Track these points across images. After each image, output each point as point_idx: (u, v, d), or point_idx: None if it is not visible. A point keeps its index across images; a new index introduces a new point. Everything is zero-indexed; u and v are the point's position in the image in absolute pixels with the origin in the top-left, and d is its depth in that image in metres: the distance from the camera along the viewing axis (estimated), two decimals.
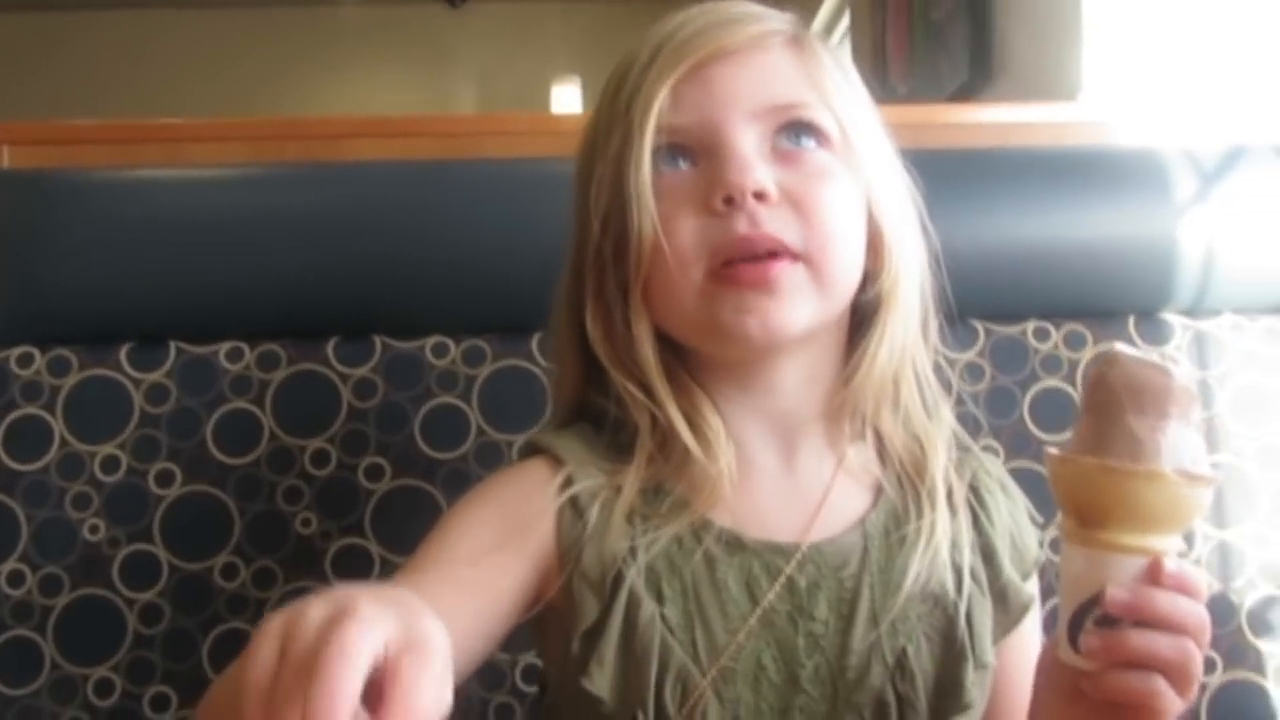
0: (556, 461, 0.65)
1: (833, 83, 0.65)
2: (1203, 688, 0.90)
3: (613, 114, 0.65)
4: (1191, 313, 0.95)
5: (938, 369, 0.83)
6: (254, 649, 0.39)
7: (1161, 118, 1.09)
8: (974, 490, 0.68)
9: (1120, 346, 0.55)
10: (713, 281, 0.62)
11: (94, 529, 0.87)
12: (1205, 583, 0.54)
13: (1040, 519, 0.72)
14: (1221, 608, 0.91)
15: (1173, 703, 0.53)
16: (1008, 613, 0.66)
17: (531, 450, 0.69)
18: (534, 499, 0.64)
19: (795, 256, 0.61)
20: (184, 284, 0.91)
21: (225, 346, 0.90)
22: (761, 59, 0.64)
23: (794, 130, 0.63)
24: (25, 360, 0.89)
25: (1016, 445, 0.90)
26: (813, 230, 0.62)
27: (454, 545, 0.63)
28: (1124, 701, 0.53)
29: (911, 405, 0.68)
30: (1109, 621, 0.53)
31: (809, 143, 0.63)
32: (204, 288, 0.91)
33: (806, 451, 0.67)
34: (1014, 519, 0.68)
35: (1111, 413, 0.53)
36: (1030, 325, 0.94)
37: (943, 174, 0.93)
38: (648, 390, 0.64)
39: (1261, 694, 0.90)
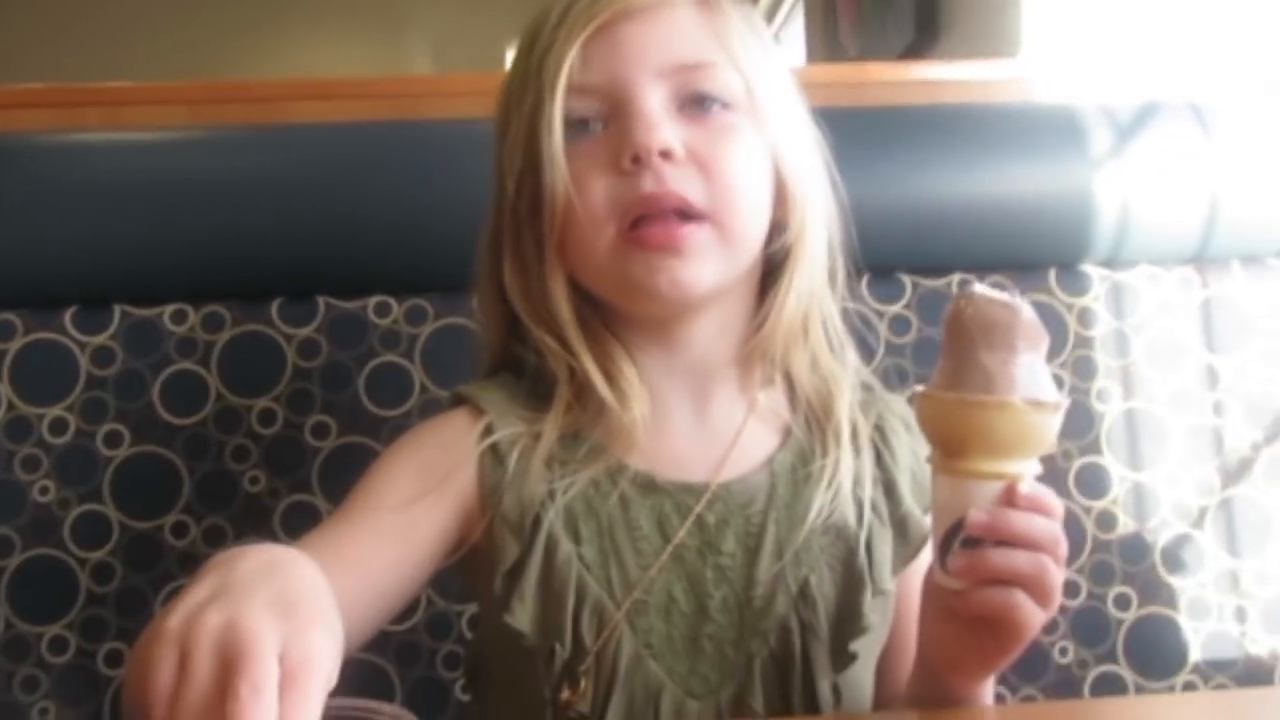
0: (478, 411, 0.68)
1: (740, 41, 0.67)
2: (1119, 621, 0.94)
3: (525, 74, 0.67)
4: (1109, 264, 0.98)
5: (864, 320, 0.86)
6: (154, 660, 0.41)
7: (1081, 74, 1.12)
8: (878, 428, 0.71)
9: (975, 287, 0.59)
10: (624, 241, 0.64)
11: (44, 490, 0.89)
12: (1059, 503, 0.58)
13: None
14: (1136, 546, 0.96)
15: (1034, 614, 0.57)
16: (908, 543, 0.70)
17: (456, 401, 0.71)
18: (455, 448, 0.67)
19: (701, 217, 0.64)
20: (127, 247, 0.92)
21: (170, 309, 0.92)
22: (668, 17, 0.66)
23: (700, 90, 0.65)
24: None
25: None
26: (717, 188, 0.64)
27: (380, 494, 0.66)
28: (990, 615, 0.57)
29: (819, 350, 0.71)
30: (972, 543, 0.56)
31: (714, 103, 0.66)
32: (147, 251, 0.92)
33: (719, 397, 0.70)
34: (916, 456, 0.71)
35: (966, 350, 0.56)
36: (955, 278, 0.97)
37: (872, 131, 0.97)
38: (564, 343, 0.67)
39: (1174, 627, 0.95)
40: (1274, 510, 0.96)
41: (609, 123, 0.65)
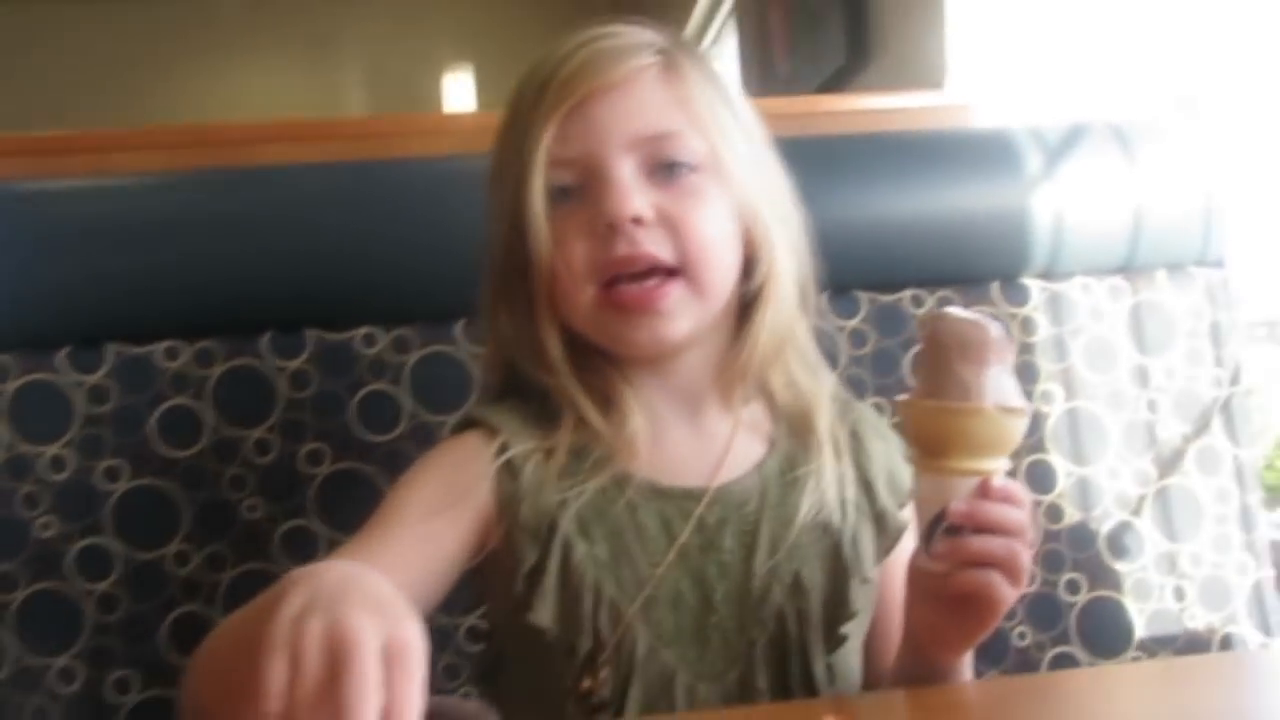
0: (492, 431, 0.74)
1: (703, 103, 0.73)
2: (1070, 605, 1.02)
3: (506, 152, 0.75)
4: (1047, 276, 1.06)
5: (825, 335, 0.93)
6: (265, 664, 0.46)
7: (1013, 100, 1.20)
8: (855, 435, 0.78)
9: (949, 308, 0.67)
10: (603, 300, 0.71)
11: (45, 525, 0.91)
12: (1027, 495, 0.66)
13: None
14: (1082, 535, 1.03)
15: (1007, 592, 0.65)
16: (886, 535, 0.77)
17: (468, 423, 0.77)
18: (472, 465, 0.73)
19: (673, 271, 0.71)
20: (117, 288, 0.95)
21: (162, 346, 0.95)
22: (635, 91, 0.72)
23: (666, 158, 0.72)
24: None
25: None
26: (687, 246, 0.71)
27: (404, 511, 0.71)
28: (969, 593, 0.65)
29: (795, 371, 0.78)
30: (953, 531, 0.64)
31: (681, 167, 0.72)
32: (137, 290, 0.95)
33: (709, 412, 0.77)
34: (889, 458, 0.79)
35: (943, 363, 0.64)
36: (907, 294, 1.04)
37: (823, 159, 1.04)
38: (559, 383, 0.74)
39: (1120, 608, 1.03)
40: (1205, 497, 1.05)
41: (586, 191, 0.72)
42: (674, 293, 0.71)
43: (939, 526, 0.64)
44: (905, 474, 0.80)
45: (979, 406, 0.63)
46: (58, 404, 0.93)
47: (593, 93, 0.71)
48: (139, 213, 0.97)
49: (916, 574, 0.68)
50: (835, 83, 2.29)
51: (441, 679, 0.93)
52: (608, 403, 0.73)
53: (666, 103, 0.72)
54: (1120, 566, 1.03)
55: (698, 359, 0.76)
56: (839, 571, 0.73)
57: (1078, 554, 1.03)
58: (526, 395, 0.76)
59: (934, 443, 0.65)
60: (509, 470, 0.72)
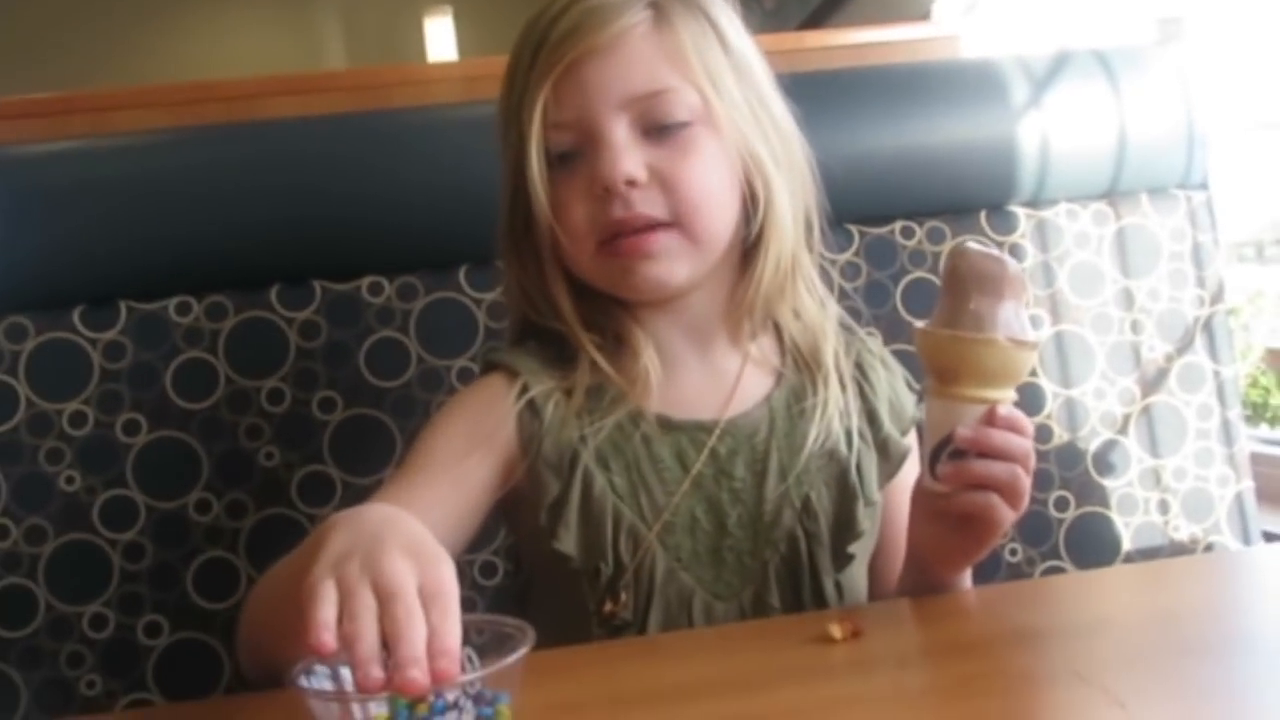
0: (513, 374, 0.77)
1: (696, 54, 0.74)
2: (1059, 521, 1.06)
3: (507, 113, 0.77)
4: (1033, 204, 1.09)
5: (820, 270, 0.95)
6: (315, 601, 0.49)
7: (999, 30, 1.22)
8: (859, 366, 0.82)
9: (969, 243, 0.70)
10: (602, 253, 0.75)
11: (70, 480, 0.94)
12: (1030, 424, 0.69)
13: (916, 386, 0.85)
14: (1070, 454, 1.07)
15: (1007, 514, 0.69)
16: (889, 460, 0.80)
17: (490, 367, 0.80)
18: (496, 407, 0.76)
19: (668, 225, 0.74)
20: (127, 246, 0.97)
21: (174, 301, 0.97)
22: (625, 51, 0.73)
23: (658, 116, 0.73)
24: None
25: (893, 330, 1.04)
26: (681, 202, 0.73)
27: (435, 454, 0.75)
28: (972, 515, 0.69)
29: (801, 305, 0.81)
30: (958, 454, 0.68)
31: (674, 123, 0.74)
32: (147, 248, 0.97)
33: (717, 348, 0.80)
34: (892, 387, 0.82)
35: (960, 295, 0.67)
36: (898, 225, 1.07)
37: (811, 95, 1.05)
38: (571, 330, 0.77)
39: (1107, 522, 1.07)
40: (1187, 413, 1.09)
41: (584, 153, 0.74)
42: (668, 241, 0.74)
43: (945, 449, 0.68)
44: (907, 401, 0.83)
45: (991, 338, 0.66)
46: (75, 361, 0.96)
47: (583, 55, 0.73)
48: (144, 170, 0.99)
49: (922, 494, 0.71)
50: (819, 19, 2.29)
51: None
52: (620, 342, 0.77)
53: (657, 59, 0.74)
54: (1107, 483, 1.07)
55: (704, 298, 0.79)
56: (846, 495, 0.77)
57: (1066, 472, 1.06)
58: (544, 338, 0.79)
59: (946, 370, 0.68)
60: (531, 410, 0.75)
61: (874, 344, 0.86)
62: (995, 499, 0.67)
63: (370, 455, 0.98)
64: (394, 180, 1.00)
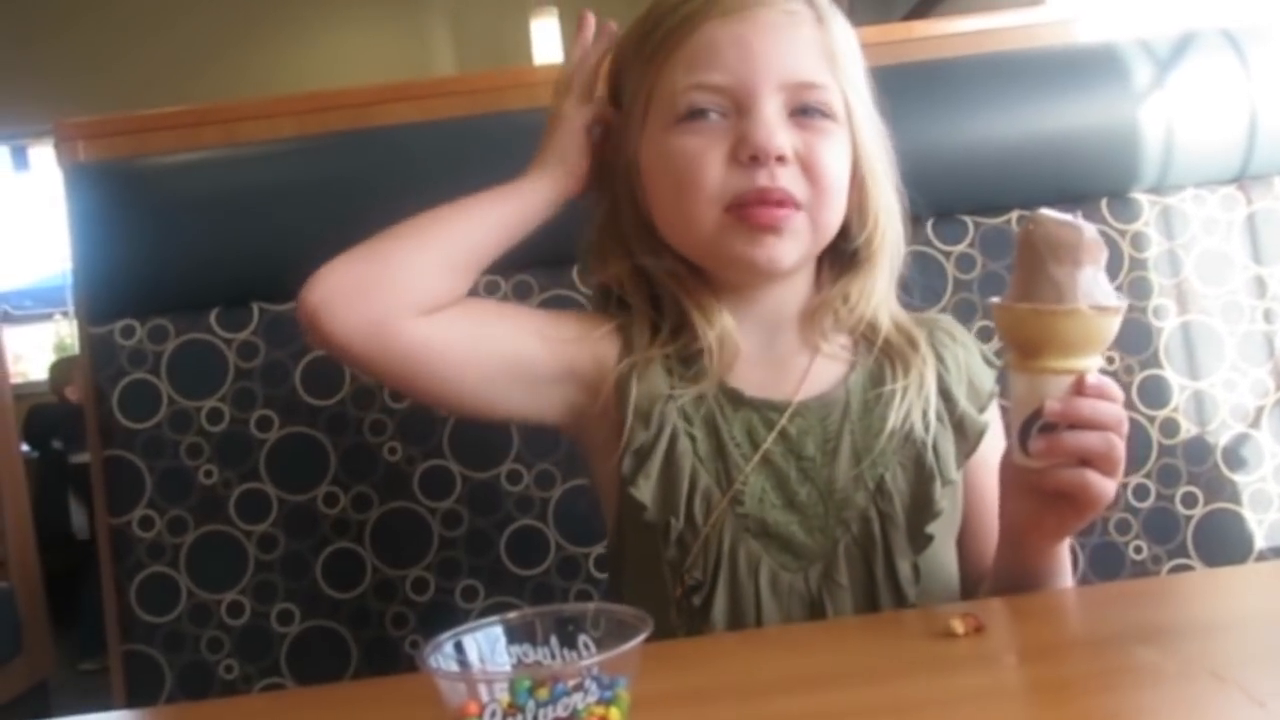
0: (612, 317, 0.81)
1: (845, 58, 0.77)
2: (1188, 518, 1.03)
3: (645, 57, 0.77)
4: (1157, 190, 1.06)
5: (933, 261, 0.95)
6: None
7: (1118, 11, 1.18)
8: (932, 346, 0.81)
9: (1042, 210, 0.67)
10: (730, 217, 0.75)
11: (208, 474, 0.99)
12: (1119, 390, 0.67)
13: (996, 362, 0.84)
14: (1199, 449, 1.04)
15: (1104, 485, 0.67)
16: (966, 439, 0.79)
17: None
18: (597, 327, 0.80)
19: (799, 206, 0.75)
20: (259, 250, 1.01)
21: None
22: (792, 35, 0.76)
23: (810, 104, 0.75)
24: (127, 332, 1.00)
25: None
26: (816, 187, 0.75)
27: (535, 312, 0.84)
28: (1067, 489, 0.67)
29: (895, 307, 0.82)
30: (1049, 428, 0.66)
31: (819, 114, 0.76)
32: (276, 251, 1.01)
33: (783, 342, 0.81)
34: (968, 364, 0.81)
35: (1036, 266, 0.65)
36: (1014, 215, 1.05)
37: (922, 85, 1.05)
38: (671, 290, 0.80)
39: (1239, 519, 1.03)
40: None
41: (728, 116, 0.75)
42: (797, 220, 0.75)
43: (1035, 424, 0.66)
44: (983, 376, 0.82)
45: (1073, 308, 0.64)
46: (212, 361, 1.00)
47: (752, 23, 0.75)
48: (272, 177, 1.03)
49: (1011, 471, 0.70)
50: (925, 7, 2.25)
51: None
52: (703, 316, 0.78)
53: (818, 53, 0.76)
54: (1238, 478, 1.03)
55: (782, 293, 0.80)
56: (923, 476, 0.77)
57: (1194, 467, 1.03)
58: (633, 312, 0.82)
59: (1029, 344, 0.66)
60: (627, 347, 0.79)
61: (945, 321, 0.86)
62: (1090, 474, 0.66)
63: (487, 449, 1.01)
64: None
